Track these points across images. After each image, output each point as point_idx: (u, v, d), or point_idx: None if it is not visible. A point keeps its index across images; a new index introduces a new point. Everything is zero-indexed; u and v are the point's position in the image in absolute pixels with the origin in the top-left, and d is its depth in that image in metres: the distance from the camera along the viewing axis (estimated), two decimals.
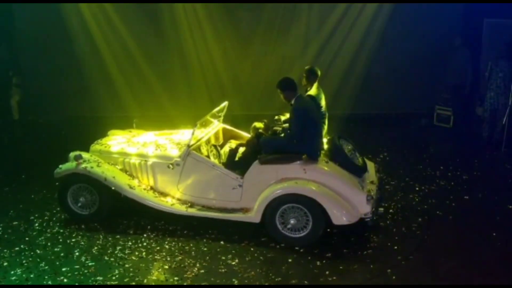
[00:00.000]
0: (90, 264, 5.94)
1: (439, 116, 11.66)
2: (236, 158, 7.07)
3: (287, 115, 7.14)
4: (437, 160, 9.53)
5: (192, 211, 6.65)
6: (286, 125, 7.10)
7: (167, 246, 6.33)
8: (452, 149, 10.55)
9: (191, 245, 6.36)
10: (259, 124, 7.34)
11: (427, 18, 11.93)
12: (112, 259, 6.05)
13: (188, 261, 5.97)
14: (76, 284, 5.57)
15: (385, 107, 12.51)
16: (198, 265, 5.89)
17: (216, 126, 7.77)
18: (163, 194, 6.94)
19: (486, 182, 8.45)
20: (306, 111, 6.45)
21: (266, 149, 6.60)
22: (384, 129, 11.70)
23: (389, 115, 12.41)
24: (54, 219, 7.15)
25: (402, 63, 12.14)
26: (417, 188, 8.10)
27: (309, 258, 6.02)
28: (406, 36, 12.04)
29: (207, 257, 6.06)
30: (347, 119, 11.40)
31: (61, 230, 6.80)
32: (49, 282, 5.60)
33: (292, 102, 6.53)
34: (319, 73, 7.44)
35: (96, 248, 6.31)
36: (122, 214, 7.07)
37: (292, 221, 6.26)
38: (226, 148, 7.61)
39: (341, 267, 5.83)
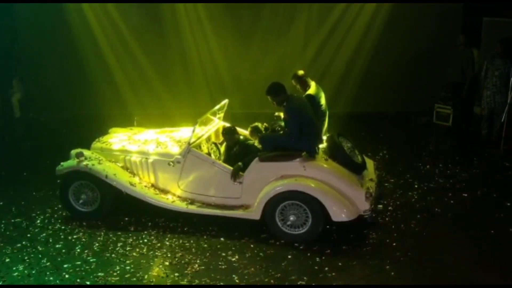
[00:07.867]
0: (91, 260, 6.01)
1: (439, 114, 11.67)
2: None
3: None
4: (436, 158, 9.56)
5: (193, 208, 6.71)
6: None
7: (167, 243, 6.39)
8: (451, 147, 10.58)
9: (192, 241, 6.41)
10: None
11: (426, 17, 11.94)
12: (113, 255, 6.11)
13: (189, 258, 6.02)
14: (78, 280, 5.63)
15: (385, 105, 12.51)
16: (198, 261, 5.94)
17: (217, 124, 7.81)
18: (164, 191, 6.99)
19: (485, 179, 8.48)
20: (299, 111, 6.49)
21: (266, 147, 6.66)
22: (383, 127, 11.71)
23: (389, 113, 12.43)
24: (56, 216, 7.21)
25: (401, 62, 12.15)
26: (416, 186, 8.13)
27: (309, 254, 6.07)
28: (406, 35, 12.05)
29: (208, 254, 6.11)
30: (346, 117, 11.40)
31: (63, 227, 6.87)
32: (51, 279, 5.65)
33: (285, 104, 6.57)
34: (303, 72, 7.53)
35: (97, 244, 6.37)
36: (123, 211, 7.13)
37: (291, 218, 6.31)
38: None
39: (340, 264, 5.87)
